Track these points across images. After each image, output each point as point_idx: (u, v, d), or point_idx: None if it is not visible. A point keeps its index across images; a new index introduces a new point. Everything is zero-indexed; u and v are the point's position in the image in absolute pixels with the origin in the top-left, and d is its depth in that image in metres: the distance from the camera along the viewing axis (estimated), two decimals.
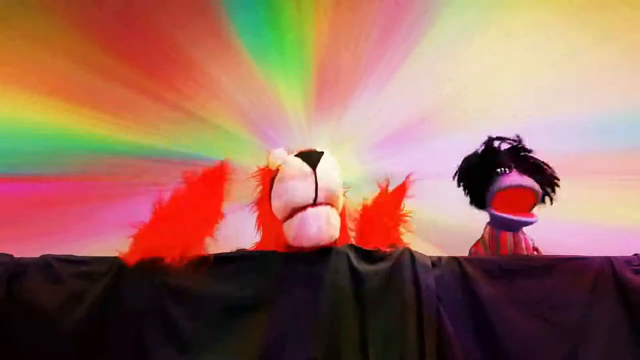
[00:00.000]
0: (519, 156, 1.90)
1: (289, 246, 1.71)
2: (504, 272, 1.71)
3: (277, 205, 1.71)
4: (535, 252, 1.91)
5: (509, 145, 1.93)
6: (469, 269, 1.71)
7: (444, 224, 2.04)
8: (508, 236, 1.89)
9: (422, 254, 1.73)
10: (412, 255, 1.71)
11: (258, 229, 1.86)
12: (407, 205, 1.98)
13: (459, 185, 1.98)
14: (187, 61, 2.59)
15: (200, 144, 2.74)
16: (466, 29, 2.52)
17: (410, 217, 1.92)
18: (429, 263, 1.71)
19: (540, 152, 1.98)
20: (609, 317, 1.65)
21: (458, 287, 1.69)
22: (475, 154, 1.96)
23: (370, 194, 2.07)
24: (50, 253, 1.72)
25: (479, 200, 1.95)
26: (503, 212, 1.86)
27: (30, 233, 2.45)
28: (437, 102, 2.74)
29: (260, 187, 1.83)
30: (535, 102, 2.63)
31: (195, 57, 2.59)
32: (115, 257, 1.70)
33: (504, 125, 2.65)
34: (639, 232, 2.28)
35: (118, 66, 2.55)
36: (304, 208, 1.65)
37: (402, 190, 1.97)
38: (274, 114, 2.76)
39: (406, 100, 2.75)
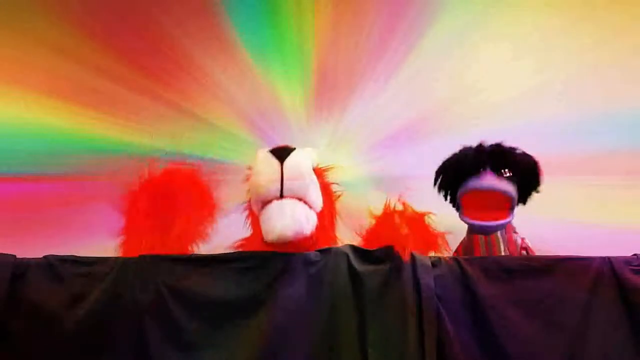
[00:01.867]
0: (494, 157, 1.86)
1: (266, 242, 1.71)
2: (504, 272, 1.71)
3: (252, 199, 1.74)
4: (524, 252, 1.91)
5: (485, 147, 1.90)
6: (469, 269, 1.71)
7: (444, 224, 2.04)
8: (479, 239, 1.91)
9: (421, 254, 1.73)
10: (412, 255, 1.71)
11: (248, 226, 1.88)
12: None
13: (438, 191, 1.99)
14: (187, 61, 2.59)
15: (200, 144, 2.73)
16: (466, 29, 2.53)
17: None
18: (429, 263, 1.71)
19: (540, 152, 1.98)
20: (608, 317, 1.66)
21: (458, 287, 1.69)
22: (449, 158, 1.96)
23: (369, 194, 2.07)
24: (50, 253, 1.73)
25: (454, 202, 1.97)
26: (471, 216, 1.88)
27: (29, 233, 2.45)
28: (437, 102, 2.74)
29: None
30: (535, 102, 2.63)
31: (195, 57, 2.59)
32: (117, 257, 1.71)
33: (504, 125, 2.66)
34: (639, 232, 2.28)
35: (118, 66, 2.55)
36: (270, 202, 1.66)
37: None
38: (273, 114, 2.76)
39: (406, 100, 2.75)
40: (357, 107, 2.75)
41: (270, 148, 1.73)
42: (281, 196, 1.65)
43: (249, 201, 1.81)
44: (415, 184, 2.05)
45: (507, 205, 1.87)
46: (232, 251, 1.82)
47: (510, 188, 1.85)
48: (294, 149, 1.72)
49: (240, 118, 2.77)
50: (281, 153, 1.69)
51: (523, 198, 1.93)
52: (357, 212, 2.01)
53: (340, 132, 2.80)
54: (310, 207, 1.71)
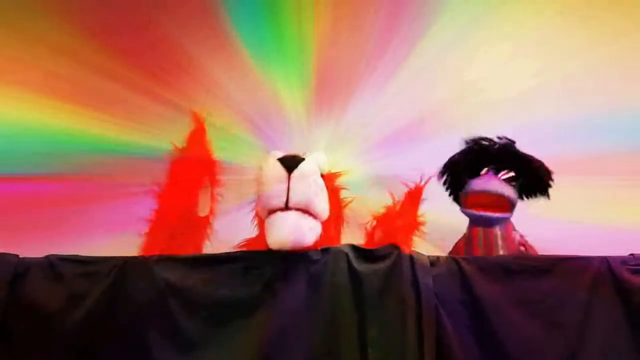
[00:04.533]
0: (498, 158, 1.92)
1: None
2: (502, 272, 1.71)
3: (258, 206, 1.74)
4: (522, 247, 1.92)
5: (494, 144, 1.94)
6: (468, 268, 1.71)
7: (443, 224, 2.04)
8: (479, 232, 1.93)
9: (420, 253, 1.74)
10: (410, 255, 1.71)
11: (254, 226, 1.89)
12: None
13: (443, 184, 2.03)
14: (187, 61, 2.59)
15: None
16: (466, 29, 2.53)
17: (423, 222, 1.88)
18: (428, 263, 1.71)
19: (540, 152, 1.98)
20: (607, 317, 1.66)
21: (457, 286, 1.69)
22: (457, 153, 2.00)
23: (369, 194, 2.07)
24: (50, 253, 1.73)
25: (457, 198, 2.02)
26: (473, 209, 1.93)
27: (29, 233, 2.45)
28: (437, 102, 2.74)
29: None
30: (535, 103, 2.63)
31: (195, 56, 2.59)
32: (118, 257, 1.71)
33: (504, 125, 2.66)
34: (638, 232, 2.28)
35: (118, 66, 2.55)
36: (275, 211, 1.67)
37: (416, 197, 1.91)
38: (273, 114, 2.76)
39: (406, 100, 2.75)
40: (357, 107, 2.75)
41: (280, 156, 1.73)
42: (286, 207, 1.66)
43: (257, 202, 1.82)
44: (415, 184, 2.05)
45: (506, 205, 1.92)
46: (232, 251, 1.82)
47: (509, 190, 1.91)
48: (304, 159, 1.71)
49: (240, 118, 2.77)
50: (290, 163, 1.68)
51: (529, 196, 1.99)
52: (357, 212, 2.02)
53: (340, 132, 2.81)
54: (315, 217, 1.71)
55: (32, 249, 1.74)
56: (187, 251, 1.77)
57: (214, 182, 1.88)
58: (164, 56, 2.59)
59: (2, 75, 2.49)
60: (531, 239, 1.98)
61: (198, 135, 1.87)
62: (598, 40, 2.47)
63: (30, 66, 2.52)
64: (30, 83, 2.54)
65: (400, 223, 1.79)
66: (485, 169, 1.95)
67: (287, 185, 1.65)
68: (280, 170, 1.67)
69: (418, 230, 1.80)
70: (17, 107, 2.54)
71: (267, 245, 1.72)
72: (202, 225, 1.86)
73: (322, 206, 1.74)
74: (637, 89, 2.52)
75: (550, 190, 2.00)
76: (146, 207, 1.79)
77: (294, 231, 1.65)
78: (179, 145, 1.84)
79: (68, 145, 2.64)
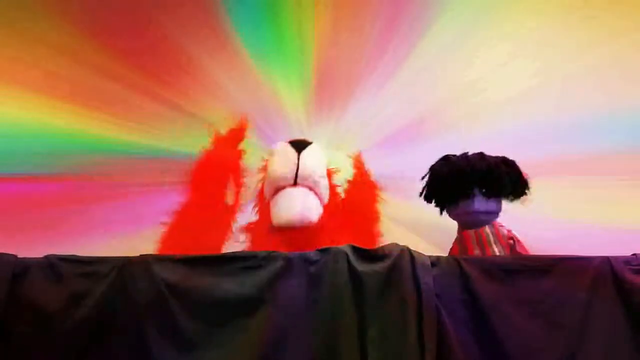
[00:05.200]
0: (482, 180, 1.93)
1: (273, 227, 1.79)
2: (503, 272, 1.71)
3: (265, 185, 1.84)
4: (510, 241, 1.93)
5: (472, 169, 1.94)
6: (469, 268, 1.71)
7: (443, 224, 2.04)
8: (469, 234, 1.95)
9: (421, 253, 1.73)
10: (411, 254, 1.71)
11: (255, 212, 1.96)
12: (407, 205, 1.99)
13: (424, 198, 2.03)
14: (187, 61, 2.60)
15: (200, 144, 2.73)
16: (466, 29, 2.53)
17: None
18: (429, 262, 1.71)
19: (540, 152, 1.98)
20: (608, 317, 1.65)
21: (457, 286, 1.69)
22: (440, 169, 1.99)
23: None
24: (50, 253, 1.73)
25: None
26: None
27: (29, 233, 2.45)
28: (437, 103, 2.74)
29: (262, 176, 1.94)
30: (535, 102, 2.63)
31: (195, 56, 2.59)
32: (118, 257, 1.71)
33: (504, 126, 2.66)
34: (638, 232, 2.28)
35: (118, 66, 2.55)
36: (284, 187, 1.76)
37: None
38: (273, 114, 2.76)
39: (406, 100, 2.75)
40: (357, 107, 2.75)
41: (289, 140, 1.85)
42: (295, 184, 1.76)
43: (261, 188, 1.90)
44: (416, 184, 2.05)
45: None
46: (232, 251, 1.82)
47: (497, 207, 1.97)
48: (312, 142, 1.84)
49: (240, 118, 2.77)
50: (299, 144, 1.82)
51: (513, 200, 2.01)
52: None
53: (340, 132, 2.81)
54: (319, 198, 1.80)
55: (32, 249, 1.74)
56: (210, 242, 1.80)
57: (238, 181, 1.95)
58: (164, 56, 2.59)
59: (2, 75, 2.49)
60: (531, 239, 1.98)
61: (235, 135, 1.96)
62: (598, 40, 2.47)
63: (30, 66, 2.52)
64: (30, 83, 2.54)
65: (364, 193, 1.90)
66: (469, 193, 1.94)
67: (296, 163, 1.77)
68: (290, 150, 1.79)
69: (379, 192, 1.86)
70: (17, 107, 2.54)
71: (269, 229, 1.76)
72: (228, 215, 1.90)
73: (326, 188, 1.84)
74: (637, 89, 2.52)
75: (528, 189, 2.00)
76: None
77: (302, 206, 1.75)
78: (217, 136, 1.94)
79: (68, 145, 2.64)
